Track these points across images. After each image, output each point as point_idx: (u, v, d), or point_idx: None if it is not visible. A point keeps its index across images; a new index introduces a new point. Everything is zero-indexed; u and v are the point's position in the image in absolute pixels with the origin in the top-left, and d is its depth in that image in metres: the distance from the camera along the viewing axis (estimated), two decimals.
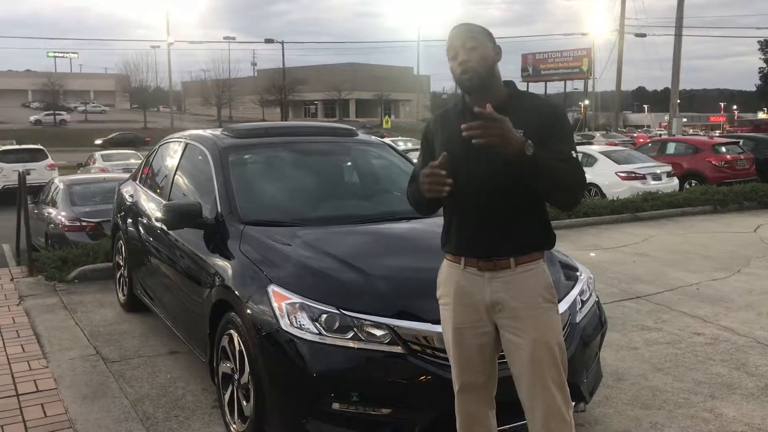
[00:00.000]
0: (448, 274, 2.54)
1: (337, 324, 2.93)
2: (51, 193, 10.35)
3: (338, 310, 2.96)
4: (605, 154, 14.52)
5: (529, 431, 2.47)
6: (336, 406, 2.88)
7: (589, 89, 65.62)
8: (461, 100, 2.49)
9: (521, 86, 2.55)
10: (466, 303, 2.46)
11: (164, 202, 4.56)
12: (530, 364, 2.38)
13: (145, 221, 5.14)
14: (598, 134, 42.17)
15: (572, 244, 8.33)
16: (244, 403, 3.24)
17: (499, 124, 2.11)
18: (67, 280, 6.67)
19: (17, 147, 22.53)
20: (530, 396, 2.40)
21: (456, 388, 2.56)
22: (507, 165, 2.21)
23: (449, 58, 2.39)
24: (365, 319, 2.93)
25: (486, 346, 2.49)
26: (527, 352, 2.38)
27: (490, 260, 2.41)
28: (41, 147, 21.04)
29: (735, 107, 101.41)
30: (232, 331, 3.32)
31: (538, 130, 2.29)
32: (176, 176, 4.86)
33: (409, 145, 29.91)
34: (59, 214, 9.27)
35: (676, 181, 14.16)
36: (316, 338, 2.92)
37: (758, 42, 57.14)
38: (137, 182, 5.82)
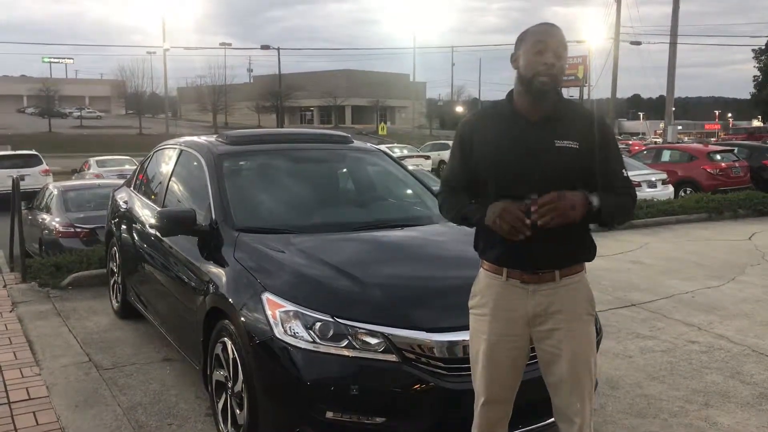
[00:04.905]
0: (487, 285, 2.45)
1: (331, 332, 2.92)
2: (45, 199, 10.31)
3: (332, 318, 2.95)
4: None
5: None
6: (330, 414, 2.86)
7: (585, 96, 65.83)
8: (508, 103, 2.42)
9: None
10: (506, 316, 2.41)
11: (158, 208, 4.54)
12: (570, 376, 2.38)
13: (139, 228, 5.12)
14: None
15: None
16: (238, 411, 3.22)
17: (554, 204, 2.14)
18: (60, 286, 6.64)
19: (11, 152, 22.45)
20: (569, 406, 2.41)
21: (481, 400, 2.49)
22: (560, 175, 2.19)
23: (533, 51, 2.29)
24: (360, 327, 2.92)
25: (518, 360, 2.46)
26: (566, 364, 2.37)
27: (535, 273, 2.37)
28: (36, 152, 20.97)
29: (730, 115, 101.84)
30: (225, 338, 3.30)
31: (592, 142, 2.31)
32: (171, 183, 4.84)
33: (405, 152, 30.00)
34: (53, 220, 9.23)
35: (671, 188, 14.17)
36: (310, 346, 2.90)
37: (752, 50, 57.36)
38: (132, 188, 5.80)
